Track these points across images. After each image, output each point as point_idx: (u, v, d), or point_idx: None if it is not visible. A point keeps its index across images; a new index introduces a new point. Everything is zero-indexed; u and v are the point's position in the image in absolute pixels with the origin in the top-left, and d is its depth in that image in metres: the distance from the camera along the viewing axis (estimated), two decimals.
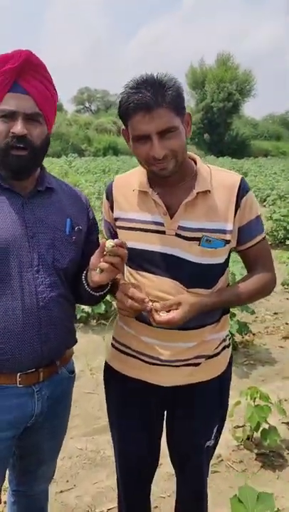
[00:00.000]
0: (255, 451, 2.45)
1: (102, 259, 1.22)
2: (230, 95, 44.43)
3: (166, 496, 2.11)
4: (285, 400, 2.94)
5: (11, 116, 1.20)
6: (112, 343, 1.54)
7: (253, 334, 4.04)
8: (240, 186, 1.33)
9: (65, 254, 1.32)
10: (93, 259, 1.26)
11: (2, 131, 1.20)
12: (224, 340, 1.46)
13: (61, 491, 2.16)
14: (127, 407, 1.49)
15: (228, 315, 1.49)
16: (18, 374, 1.25)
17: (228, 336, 1.49)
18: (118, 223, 1.42)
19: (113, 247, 1.19)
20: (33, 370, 1.28)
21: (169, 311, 1.27)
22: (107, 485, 2.22)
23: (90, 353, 3.51)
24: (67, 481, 2.24)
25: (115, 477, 2.18)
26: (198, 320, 1.33)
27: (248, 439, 2.49)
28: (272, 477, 2.30)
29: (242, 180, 1.35)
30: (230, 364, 1.49)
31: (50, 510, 1.78)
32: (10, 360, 1.23)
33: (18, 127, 1.19)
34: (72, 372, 1.46)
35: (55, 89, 1.28)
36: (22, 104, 1.20)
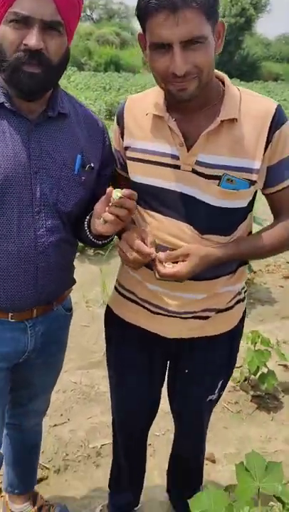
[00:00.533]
0: (251, 393, 2.43)
1: (107, 209, 1.05)
2: (244, 10, 40.99)
3: (160, 434, 2.10)
4: (284, 342, 2.90)
5: (24, 22, 0.95)
6: (115, 287, 1.40)
7: (254, 272, 3.94)
8: (274, 116, 1.10)
9: (71, 196, 1.15)
10: (98, 206, 1.09)
11: (13, 41, 0.97)
12: (239, 293, 1.32)
13: (55, 425, 2.15)
14: (127, 353, 1.39)
15: (246, 266, 1.33)
16: (10, 311, 1.18)
17: (243, 288, 1.35)
18: (128, 153, 1.21)
19: (120, 198, 1.02)
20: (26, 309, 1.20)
21: (175, 263, 1.12)
22: (101, 420, 2.21)
23: (86, 284, 3.41)
24: (61, 415, 2.23)
25: (109, 414, 2.15)
26: (211, 270, 1.17)
27: (245, 380, 2.46)
28: (266, 419, 2.30)
29: (278, 108, 1.11)
30: (242, 319, 1.36)
31: (43, 444, 1.77)
32: (3, 303, 1.15)
33: (33, 39, 0.96)
34: (70, 309, 1.38)
35: None
36: (40, 8, 0.95)
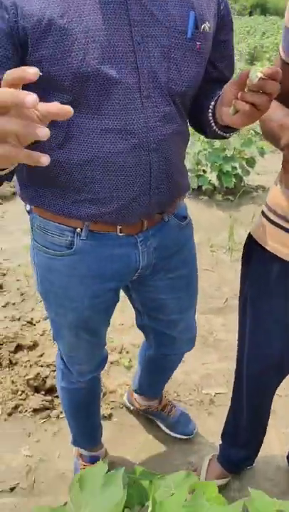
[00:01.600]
0: None
1: (239, 95, 0.77)
2: None
3: (283, 395, 1.88)
4: None
5: None
6: (262, 211, 1.15)
7: None
8: None
9: (185, 70, 0.90)
10: (226, 89, 0.82)
11: None
12: None
13: None
14: (271, 292, 1.15)
15: None
16: (119, 223, 1.02)
17: None
18: None
19: (261, 79, 0.72)
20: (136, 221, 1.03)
21: None
22: (216, 368, 2.05)
23: (213, 229, 3.20)
24: None
25: (226, 362, 1.99)
26: None
27: None
28: None
29: None
30: None
31: None
32: (111, 212, 0.98)
33: None
34: (185, 217, 1.19)
35: None
36: None
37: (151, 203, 1.00)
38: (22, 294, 2.52)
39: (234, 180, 3.68)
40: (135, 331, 1.60)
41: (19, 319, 2.31)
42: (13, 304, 2.44)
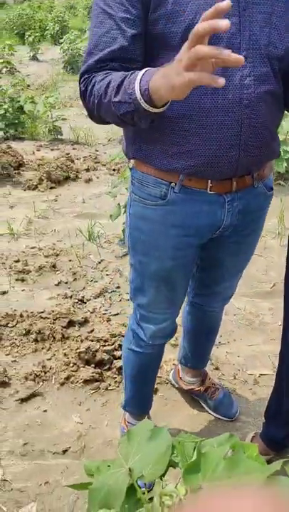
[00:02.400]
0: None
1: None
2: None
3: None
4: None
5: None
6: None
7: None
8: None
9: (285, 35, 0.97)
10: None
11: None
12: None
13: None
14: None
15: None
16: (210, 180, 1.11)
17: None
18: None
19: None
20: (227, 178, 1.12)
21: None
22: (262, 350, 2.07)
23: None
24: (221, 336, 2.15)
25: (272, 344, 2.00)
26: None
27: None
28: None
29: None
30: None
31: None
32: (204, 164, 1.07)
33: None
34: (271, 189, 1.28)
35: None
36: None
37: (241, 159, 1.07)
38: (74, 274, 2.64)
39: (286, 164, 3.60)
40: (182, 309, 1.66)
41: (71, 297, 2.43)
42: (66, 282, 2.57)
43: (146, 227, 1.20)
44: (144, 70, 0.90)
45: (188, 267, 1.30)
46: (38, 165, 4.11)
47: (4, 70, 8.14)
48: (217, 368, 1.99)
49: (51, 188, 3.79)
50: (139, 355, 1.47)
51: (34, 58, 10.21)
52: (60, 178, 3.87)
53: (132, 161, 1.19)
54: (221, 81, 0.73)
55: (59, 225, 3.19)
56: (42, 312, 2.28)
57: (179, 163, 1.08)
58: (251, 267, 2.68)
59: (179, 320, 1.47)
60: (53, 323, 2.19)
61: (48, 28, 12.21)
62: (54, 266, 2.70)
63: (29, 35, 10.79)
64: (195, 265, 1.39)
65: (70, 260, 2.77)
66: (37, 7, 16.08)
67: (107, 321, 2.24)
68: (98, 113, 1.03)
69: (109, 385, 1.90)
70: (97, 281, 2.57)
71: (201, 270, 1.42)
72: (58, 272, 2.66)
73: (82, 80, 1.03)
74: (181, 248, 1.21)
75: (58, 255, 2.82)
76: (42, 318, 2.24)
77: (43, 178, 3.84)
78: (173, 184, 1.12)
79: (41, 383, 1.92)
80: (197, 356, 1.76)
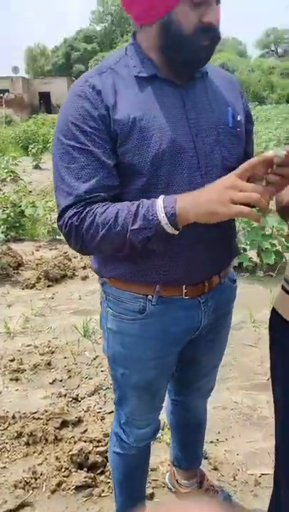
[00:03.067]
0: None
1: (270, 170, 0.97)
2: None
3: None
4: None
5: (205, 1, 0.98)
6: (282, 285, 1.24)
7: None
8: None
9: (233, 150, 1.11)
10: (256, 169, 0.98)
11: (193, 19, 0.99)
12: None
13: (211, 442, 2.02)
14: None
15: None
16: (184, 286, 1.17)
17: None
18: None
19: (286, 156, 0.92)
20: (199, 282, 1.19)
21: None
22: (262, 446, 1.99)
23: (254, 305, 3.23)
24: (219, 433, 2.09)
25: (272, 441, 1.93)
26: None
27: None
28: None
29: None
30: None
31: None
32: (179, 273, 1.14)
33: (215, 16, 0.99)
34: (234, 281, 1.37)
35: None
36: None
37: (212, 263, 1.18)
38: (69, 371, 2.62)
39: (274, 256, 3.75)
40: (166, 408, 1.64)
41: (65, 396, 2.39)
42: (60, 380, 2.54)
43: (125, 341, 1.21)
44: (162, 196, 0.99)
45: (169, 371, 1.33)
46: (37, 264, 4.26)
47: (8, 178, 8.74)
48: (216, 468, 1.89)
49: (49, 286, 3.90)
50: (124, 458, 1.43)
51: (37, 167, 11.02)
52: (58, 276, 3.99)
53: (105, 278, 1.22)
54: (260, 219, 0.92)
55: (55, 322, 3.23)
56: (35, 412, 2.23)
57: (155, 276, 1.13)
58: (246, 358, 2.68)
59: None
60: (46, 424, 2.14)
61: (50, 140, 13.36)
62: (49, 363, 2.69)
63: (32, 148, 11.75)
64: (176, 367, 1.40)
65: (65, 357, 2.76)
66: (41, 123, 17.77)
67: (101, 420, 2.19)
68: (99, 245, 1.03)
69: (103, 490, 1.81)
70: (92, 378, 2.55)
71: (179, 370, 1.43)
72: (52, 370, 2.65)
73: (70, 214, 1.02)
74: (162, 357, 1.23)
75: (53, 352, 2.82)
76: (35, 419, 2.19)
77: (41, 276, 3.97)
78: (150, 297, 1.15)
79: (31, 491, 1.82)
80: (188, 455, 1.70)
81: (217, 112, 1.12)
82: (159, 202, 0.98)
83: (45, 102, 34.96)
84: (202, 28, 1.00)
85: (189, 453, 1.70)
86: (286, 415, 1.27)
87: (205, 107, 1.11)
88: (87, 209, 1.01)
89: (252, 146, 1.28)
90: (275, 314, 1.26)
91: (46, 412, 2.21)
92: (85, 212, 1.01)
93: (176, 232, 0.99)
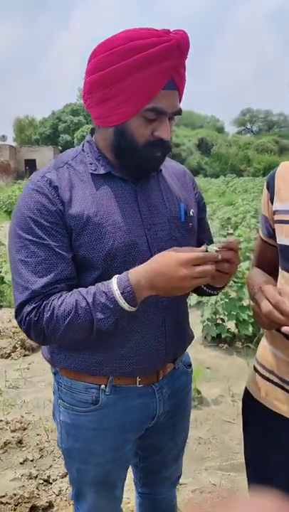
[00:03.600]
0: None
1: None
2: None
3: None
4: None
5: (158, 115, 1.04)
6: (254, 365, 1.27)
7: None
8: None
9: (184, 244, 1.14)
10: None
11: (145, 132, 1.05)
12: None
13: None
14: (265, 445, 1.19)
15: None
16: (138, 375, 1.16)
17: None
18: (276, 217, 1.16)
19: (217, 251, 0.99)
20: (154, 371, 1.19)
21: None
22: None
23: (233, 377, 3.21)
24: None
25: None
26: None
27: None
28: None
29: None
30: None
31: None
32: (133, 364, 1.14)
33: (167, 132, 1.06)
34: (190, 365, 1.36)
35: None
36: (172, 102, 1.05)
37: (167, 352, 1.17)
38: (41, 450, 2.50)
39: (252, 327, 3.78)
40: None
41: (36, 477, 2.27)
42: (32, 460, 2.42)
43: (80, 434, 1.17)
44: (116, 277, 1.00)
45: (128, 461, 1.27)
46: (13, 332, 4.19)
47: None
48: None
49: (25, 355, 3.81)
50: None
51: None
52: (34, 345, 3.92)
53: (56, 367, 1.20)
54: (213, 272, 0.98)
55: (29, 395, 3.13)
56: (3, 496, 2.10)
57: (109, 368, 1.12)
58: (224, 435, 2.62)
59: None
60: (14, 510, 2.01)
61: None
62: (20, 441, 2.57)
63: None
64: (136, 456, 1.38)
65: (38, 434, 2.65)
66: None
67: (73, 504, 2.06)
68: (63, 336, 1.02)
69: None
70: None
71: (143, 460, 1.39)
72: (24, 449, 2.52)
73: (28, 310, 1.01)
74: (120, 447, 1.19)
75: (25, 429, 2.71)
76: (2, 503, 2.06)
77: (17, 345, 3.89)
78: (103, 386, 1.13)
79: None
80: None
81: (169, 207, 1.17)
82: (114, 287, 0.99)
83: (31, 169, 36.08)
84: (154, 142, 1.05)
85: None
86: None
87: (158, 203, 1.15)
88: (44, 303, 1.01)
89: (208, 233, 1.33)
90: (247, 393, 1.27)
91: (15, 495, 2.09)
92: (42, 307, 1.01)
93: (134, 309, 1.00)
